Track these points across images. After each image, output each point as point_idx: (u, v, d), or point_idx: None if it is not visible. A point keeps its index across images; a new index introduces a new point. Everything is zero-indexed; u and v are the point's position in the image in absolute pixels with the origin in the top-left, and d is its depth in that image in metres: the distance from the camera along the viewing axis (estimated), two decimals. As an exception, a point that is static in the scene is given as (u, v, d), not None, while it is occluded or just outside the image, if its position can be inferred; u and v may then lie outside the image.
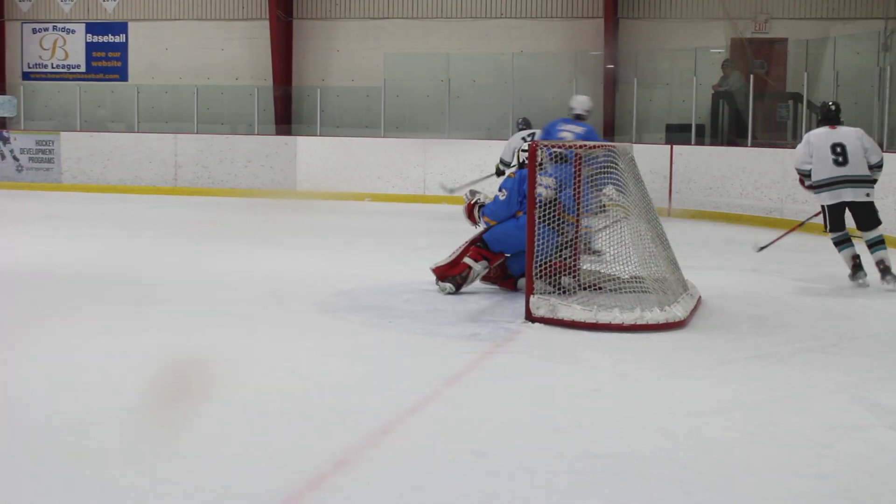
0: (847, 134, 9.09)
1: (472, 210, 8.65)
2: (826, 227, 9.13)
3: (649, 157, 14.88)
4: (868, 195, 8.97)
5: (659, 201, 12.38)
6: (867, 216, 8.98)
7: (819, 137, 9.14)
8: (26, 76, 22.66)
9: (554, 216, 7.57)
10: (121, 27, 22.13)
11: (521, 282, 8.11)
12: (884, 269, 8.79)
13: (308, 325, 7.04)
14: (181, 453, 4.19)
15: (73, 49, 22.46)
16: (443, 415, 4.87)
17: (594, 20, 19.74)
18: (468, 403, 5.07)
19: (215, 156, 18.83)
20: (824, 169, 9.04)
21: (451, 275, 8.27)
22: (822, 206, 9.13)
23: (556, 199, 7.80)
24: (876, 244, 8.90)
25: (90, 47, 22.36)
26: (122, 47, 22.17)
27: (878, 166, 9.02)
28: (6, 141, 20.36)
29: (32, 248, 10.91)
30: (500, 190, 8.40)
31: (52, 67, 22.59)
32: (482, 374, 5.72)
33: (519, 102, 18.80)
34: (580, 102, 12.03)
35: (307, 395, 5.17)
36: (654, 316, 6.84)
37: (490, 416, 4.82)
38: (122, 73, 22.14)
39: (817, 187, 9.10)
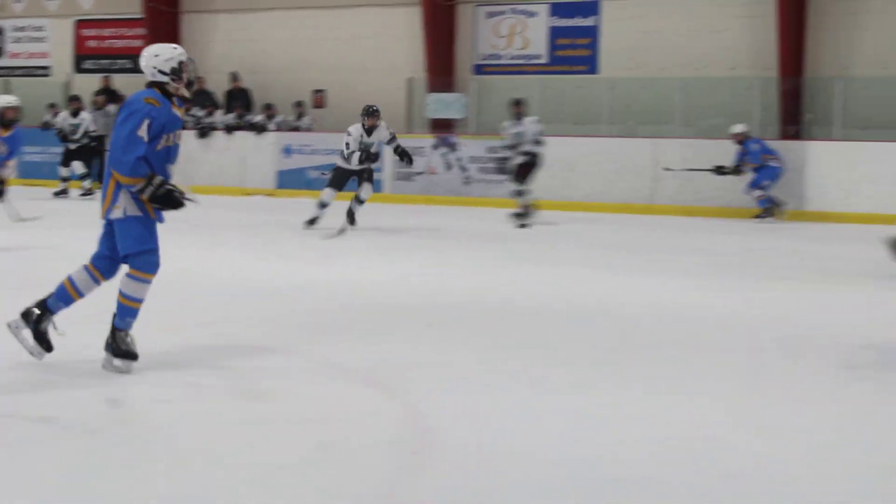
0: None
1: None
2: None
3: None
4: None
5: None
6: None
7: None
8: (478, 70, 22.87)
9: None
10: (591, 7, 21.78)
11: None
12: None
13: (828, 390, 6.42)
14: None
15: (534, 35, 22.36)
16: None
17: None
18: None
19: (703, 165, 17.74)
20: None
21: None
22: None
23: None
24: None
25: (554, 33, 22.23)
26: (593, 32, 21.81)
27: None
28: (453, 148, 20.49)
29: (491, 275, 11.06)
30: None
31: (509, 59, 22.66)
32: None
33: None
34: None
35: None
36: None
37: None
38: (591, 64, 21.80)
39: None
